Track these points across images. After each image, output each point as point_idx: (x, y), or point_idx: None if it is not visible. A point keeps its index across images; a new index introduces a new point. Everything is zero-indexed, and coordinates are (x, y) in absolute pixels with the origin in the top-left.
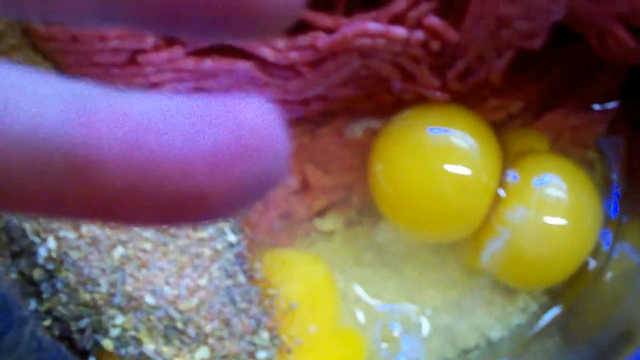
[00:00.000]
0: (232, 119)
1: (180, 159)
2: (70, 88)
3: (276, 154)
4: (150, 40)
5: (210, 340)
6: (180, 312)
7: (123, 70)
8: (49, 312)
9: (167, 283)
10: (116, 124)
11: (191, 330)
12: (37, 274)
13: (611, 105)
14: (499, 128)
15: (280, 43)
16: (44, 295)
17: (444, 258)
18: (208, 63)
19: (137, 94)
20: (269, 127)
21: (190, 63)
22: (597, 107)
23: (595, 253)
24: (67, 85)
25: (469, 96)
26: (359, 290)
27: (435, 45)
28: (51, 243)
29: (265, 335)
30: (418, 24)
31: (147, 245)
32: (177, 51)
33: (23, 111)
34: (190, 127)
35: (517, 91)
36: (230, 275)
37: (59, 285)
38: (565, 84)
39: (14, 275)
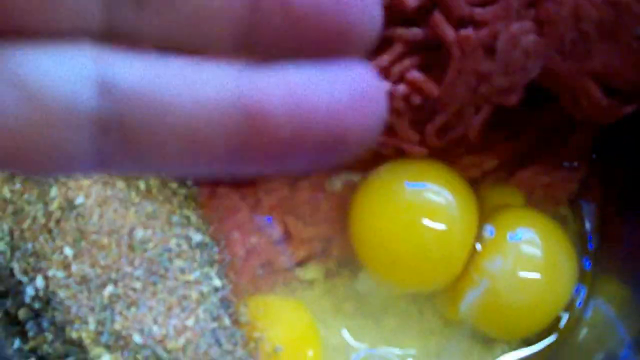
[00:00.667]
0: (354, 80)
1: (327, 109)
2: (234, 66)
3: (383, 103)
4: None
5: None
6: (168, 351)
7: None
8: (33, 351)
9: (156, 322)
10: (280, 88)
11: None
12: (22, 313)
13: (583, 164)
14: (475, 184)
15: None
16: (29, 334)
17: (422, 308)
18: None
19: (287, 66)
20: (376, 84)
21: None
22: (569, 165)
23: (569, 307)
24: (231, 64)
25: (446, 153)
26: (342, 335)
27: (416, 99)
28: (39, 282)
29: None
30: (401, 78)
31: (137, 284)
32: None
33: (207, 86)
34: (329, 87)
35: (492, 149)
36: (215, 318)
37: (45, 324)
38: (538, 143)
39: None
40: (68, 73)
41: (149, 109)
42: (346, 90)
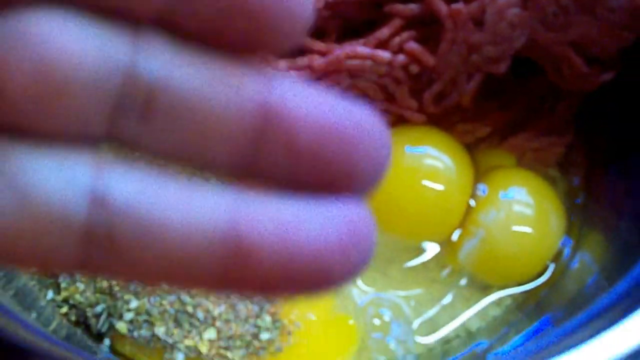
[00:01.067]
0: (347, 221)
1: (315, 249)
2: (230, 193)
3: (372, 244)
4: None
5: (218, 323)
6: (191, 296)
7: None
8: (65, 301)
9: None
10: (272, 221)
11: (200, 314)
12: None
13: (569, 129)
14: (469, 149)
15: (282, 64)
16: (62, 285)
17: (425, 260)
18: None
19: (283, 198)
20: (368, 225)
21: None
22: (556, 131)
23: (557, 257)
24: (220, 190)
25: (442, 120)
26: (353, 283)
27: (414, 68)
28: None
29: (267, 319)
30: (400, 49)
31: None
32: None
33: (201, 210)
34: (321, 225)
35: (484, 118)
36: None
37: (77, 275)
38: (527, 111)
39: (33, 269)
40: (64, 182)
41: (140, 227)
42: (337, 231)
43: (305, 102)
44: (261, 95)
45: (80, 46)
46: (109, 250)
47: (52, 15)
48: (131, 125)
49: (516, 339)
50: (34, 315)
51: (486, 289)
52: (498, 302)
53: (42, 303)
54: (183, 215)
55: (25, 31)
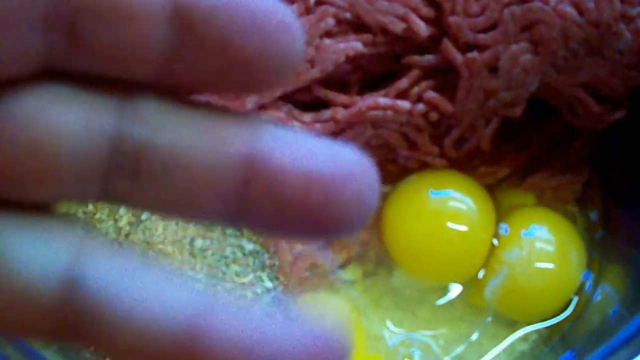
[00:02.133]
0: (312, 335)
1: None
2: (193, 287)
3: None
4: None
5: None
6: None
7: None
8: None
9: None
10: (232, 321)
11: None
12: None
13: (585, 166)
14: (490, 189)
15: (307, 117)
16: None
17: (451, 299)
18: None
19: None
20: (340, 340)
21: None
22: (573, 169)
23: (579, 291)
24: (190, 284)
25: (463, 164)
26: (383, 324)
27: (433, 116)
28: None
29: None
30: (419, 98)
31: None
32: None
33: (168, 306)
34: (286, 336)
35: (504, 159)
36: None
37: None
38: (544, 151)
39: None
40: (42, 259)
41: (108, 315)
42: (302, 341)
43: (290, 149)
44: (246, 146)
45: (67, 120)
46: (78, 331)
47: (42, 92)
48: (122, 184)
49: None
50: None
51: (512, 325)
52: (524, 337)
53: None
54: (150, 310)
55: (16, 112)
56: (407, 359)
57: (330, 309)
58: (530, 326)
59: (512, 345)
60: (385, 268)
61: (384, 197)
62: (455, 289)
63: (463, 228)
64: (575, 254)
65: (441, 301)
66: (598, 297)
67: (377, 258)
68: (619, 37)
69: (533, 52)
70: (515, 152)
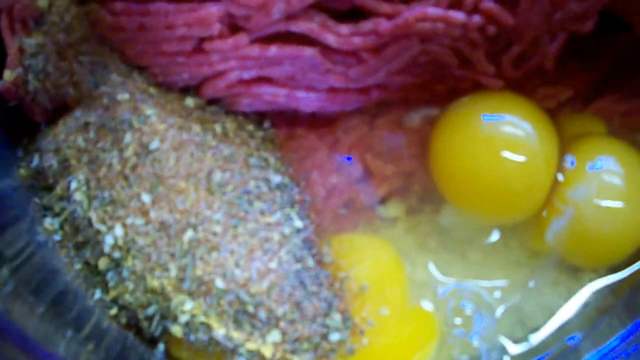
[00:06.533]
0: None
1: None
2: None
3: None
4: (216, 27)
5: (282, 324)
6: (251, 295)
7: (189, 58)
8: (115, 301)
9: (238, 266)
10: None
11: (262, 314)
12: (102, 263)
13: None
14: (552, 114)
15: (344, 29)
16: (110, 284)
17: (507, 240)
18: (273, 50)
19: None
20: None
21: (255, 50)
22: None
23: None
24: None
25: (521, 85)
26: (429, 271)
27: (491, 30)
28: (118, 230)
29: (337, 317)
30: (475, 9)
31: (218, 228)
32: (243, 38)
33: None
34: None
35: (567, 80)
36: (299, 259)
37: (126, 274)
38: (612, 72)
39: (78, 266)
40: None
41: None
42: None
43: None
44: None
45: None
46: None
47: None
48: None
49: (612, 340)
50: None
51: (576, 272)
52: (589, 286)
53: (90, 303)
54: None
55: None
56: (457, 313)
57: (369, 252)
58: (598, 275)
59: (575, 295)
60: (431, 204)
61: (432, 122)
62: (513, 229)
63: (522, 158)
64: None
65: (495, 243)
66: None
67: (423, 192)
68: None
69: None
70: (581, 71)
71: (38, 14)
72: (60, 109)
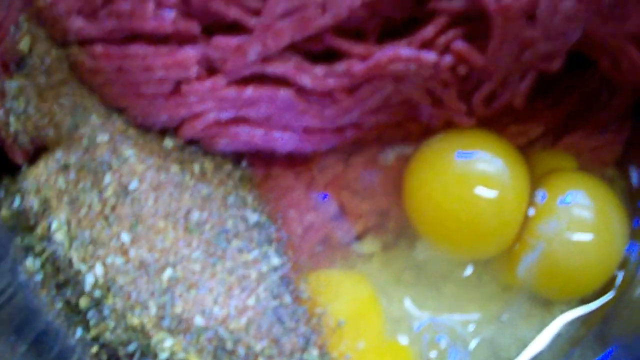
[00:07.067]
0: None
1: None
2: None
3: None
4: (194, 69)
5: (260, 359)
6: (230, 332)
7: (167, 100)
8: (96, 339)
9: (217, 303)
10: None
11: (241, 350)
12: (83, 302)
13: (625, 125)
14: (523, 151)
15: (319, 70)
16: (91, 323)
17: (480, 274)
18: (249, 91)
19: None
20: None
21: (232, 91)
22: (612, 128)
23: (624, 265)
24: None
25: (493, 122)
26: (405, 304)
27: (462, 69)
28: (98, 269)
29: (315, 352)
30: (446, 49)
31: (196, 266)
32: (220, 80)
33: None
34: None
35: (537, 117)
36: (276, 296)
37: (106, 312)
38: (580, 108)
39: (59, 305)
40: None
41: None
42: None
43: None
44: None
45: None
46: None
47: None
48: None
49: None
50: None
51: (548, 305)
52: (561, 318)
53: (71, 342)
54: None
55: None
56: (432, 347)
57: (345, 287)
58: (569, 307)
59: (548, 327)
60: (406, 240)
61: (406, 159)
62: (485, 265)
63: (494, 194)
64: (619, 223)
65: (469, 277)
66: None
67: (398, 228)
68: None
69: None
70: (549, 108)
71: (19, 57)
72: (40, 150)
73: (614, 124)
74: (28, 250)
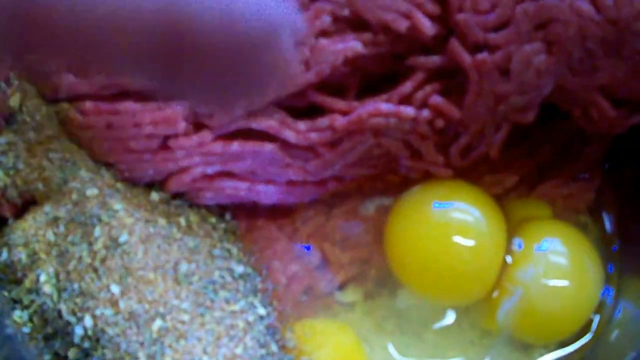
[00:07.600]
0: None
1: (256, 10)
2: None
3: None
4: (181, 125)
5: None
6: None
7: (155, 155)
8: None
9: (206, 352)
10: None
11: None
12: (72, 353)
13: (597, 173)
14: (499, 200)
15: (302, 125)
16: None
17: (460, 321)
18: (235, 146)
19: None
20: None
21: (218, 146)
22: (585, 176)
23: (600, 309)
24: None
25: (468, 173)
26: (389, 351)
27: (440, 123)
28: (88, 321)
29: None
30: (424, 104)
31: (185, 317)
32: (207, 135)
33: None
34: None
35: (512, 167)
36: (263, 345)
37: None
38: (554, 158)
39: (47, 357)
40: None
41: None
42: None
43: None
44: None
45: None
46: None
47: None
48: None
49: None
50: None
51: (527, 349)
52: None
53: None
54: None
55: None
56: None
57: (330, 336)
58: (548, 351)
59: None
60: (388, 288)
61: (386, 210)
62: (465, 311)
63: (471, 243)
64: (593, 269)
65: (449, 325)
66: (619, 315)
67: (379, 277)
68: (638, 36)
69: (547, 53)
70: (524, 158)
71: (9, 114)
72: (28, 204)
73: (586, 172)
74: (15, 302)
